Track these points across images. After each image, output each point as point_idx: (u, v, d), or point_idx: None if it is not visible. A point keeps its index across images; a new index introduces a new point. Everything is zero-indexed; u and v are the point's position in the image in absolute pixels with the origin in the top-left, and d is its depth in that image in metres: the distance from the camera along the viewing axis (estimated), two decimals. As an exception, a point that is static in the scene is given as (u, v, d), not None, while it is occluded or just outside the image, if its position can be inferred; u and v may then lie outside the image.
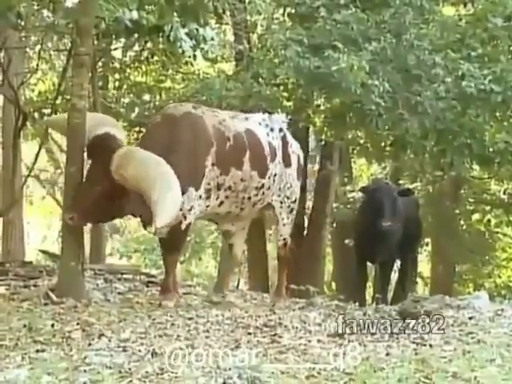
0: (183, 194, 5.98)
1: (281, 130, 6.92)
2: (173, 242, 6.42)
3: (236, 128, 6.58)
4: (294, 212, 7.07)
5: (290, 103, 10.07)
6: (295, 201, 7.00)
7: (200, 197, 6.27)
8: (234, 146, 6.48)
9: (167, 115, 6.40)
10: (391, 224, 8.13)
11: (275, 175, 6.75)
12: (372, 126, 8.92)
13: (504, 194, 13.24)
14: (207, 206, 6.41)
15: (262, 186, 6.65)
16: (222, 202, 6.48)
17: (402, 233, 8.65)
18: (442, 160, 9.64)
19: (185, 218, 6.24)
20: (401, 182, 13.16)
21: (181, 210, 6.03)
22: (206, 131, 6.36)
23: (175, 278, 6.62)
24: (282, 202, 6.89)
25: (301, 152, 7.19)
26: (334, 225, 12.69)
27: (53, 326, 5.28)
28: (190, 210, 6.24)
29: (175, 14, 6.95)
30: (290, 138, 7.04)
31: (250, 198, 6.61)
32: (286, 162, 6.87)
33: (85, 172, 6.18)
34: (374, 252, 8.62)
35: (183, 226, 6.29)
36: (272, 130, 6.84)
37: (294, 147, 7.05)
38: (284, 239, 7.05)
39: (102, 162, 5.87)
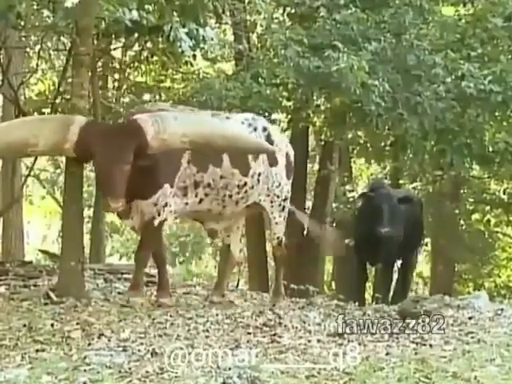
0: (159, 189, 6.08)
1: (265, 129, 6.86)
2: (145, 238, 6.37)
3: None
4: (286, 210, 7.04)
5: (290, 103, 10.06)
6: (286, 199, 6.94)
7: (175, 194, 6.27)
8: None
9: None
10: (390, 230, 8.13)
11: (259, 174, 6.71)
12: (372, 126, 8.93)
13: (504, 193, 13.25)
14: (186, 204, 6.40)
15: (245, 184, 6.61)
16: (201, 200, 6.45)
17: (404, 234, 8.63)
18: (441, 160, 9.64)
19: (158, 214, 6.20)
20: (401, 181, 13.18)
21: (155, 205, 6.10)
22: None
23: (142, 275, 6.52)
24: (272, 202, 6.86)
25: (290, 150, 7.11)
26: (334, 224, 12.68)
27: (52, 325, 5.28)
28: (164, 206, 6.22)
29: (175, 13, 6.95)
30: (276, 136, 6.93)
31: (231, 196, 6.58)
32: (271, 161, 6.80)
33: None
34: (373, 255, 8.61)
35: (156, 222, 6.24)
36: (255, 129, 6.77)
37: (281, 145, 6.94)
38: (278, 238, 7.02)
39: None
